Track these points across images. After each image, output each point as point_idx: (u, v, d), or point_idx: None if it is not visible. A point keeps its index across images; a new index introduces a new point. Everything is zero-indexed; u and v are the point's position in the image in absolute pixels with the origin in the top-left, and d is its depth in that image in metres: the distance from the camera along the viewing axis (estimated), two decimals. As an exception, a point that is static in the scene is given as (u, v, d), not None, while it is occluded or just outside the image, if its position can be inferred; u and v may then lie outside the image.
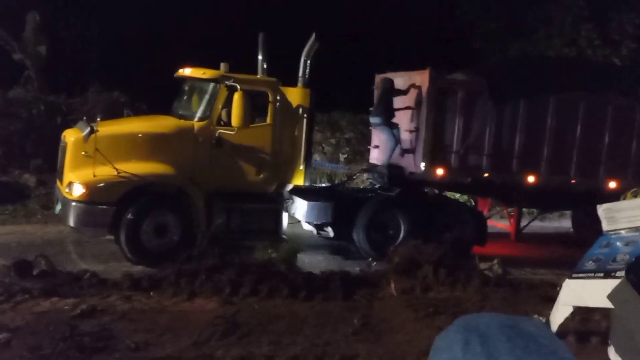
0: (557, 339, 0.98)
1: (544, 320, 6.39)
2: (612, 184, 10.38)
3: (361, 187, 13.51)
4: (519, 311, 7.13)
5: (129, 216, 8.64)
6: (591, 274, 3.30)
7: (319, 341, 5.99)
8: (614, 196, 9.98)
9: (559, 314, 3.41)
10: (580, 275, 3.34)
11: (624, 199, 3.78)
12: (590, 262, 3.41)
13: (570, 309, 3.36)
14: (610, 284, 3.14)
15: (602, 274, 3.24)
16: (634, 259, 3.24)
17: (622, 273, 3.16)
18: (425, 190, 11.18)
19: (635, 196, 3.78)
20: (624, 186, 10.34)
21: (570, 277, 3.37)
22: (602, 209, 3.67)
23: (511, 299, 7.76)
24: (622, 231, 3.53)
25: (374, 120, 10.91)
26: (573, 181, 10.37)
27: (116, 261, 8.85)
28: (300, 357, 5.54)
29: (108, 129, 9.26)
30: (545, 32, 17.41)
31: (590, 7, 16.83)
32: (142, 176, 8.70)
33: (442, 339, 1.00)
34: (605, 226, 3.62)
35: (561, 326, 6.52)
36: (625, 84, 10.86)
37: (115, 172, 8.57)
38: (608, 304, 3.11)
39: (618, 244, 3.49)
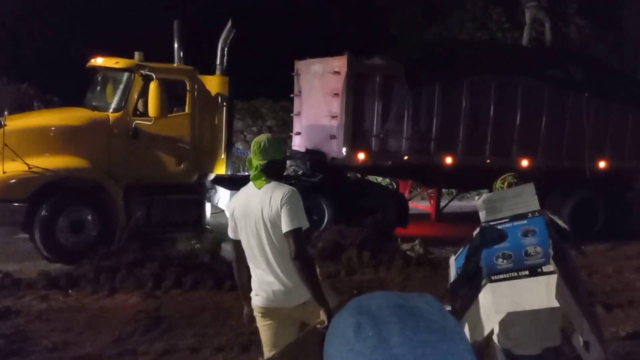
0: (448, 314, 1.01)
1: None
2: (525, 162, 10.80)
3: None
4: (440, 289, 7.35)
5: (43, 213, 8.31)
6: (513, 273, 3.09)
7: (244, 330, 5.97)
8: (527, 174, 10.45)
9: (490, 323, 3.08)
10: (502, 276, 3.11)
11: (497, 187, 3.79)
12: (500, 259, 3.29)
13: (502, 316, 3.09)
14: (544, 281, 3.03)
15: (527, 272, 3.08)
16: (551, 250, 3.17)
17: (550, 268, 3.06)
18: (348, 175, 11.31)
19: (504, 182, 3.80)
20: (534, 164, 10.82)
21: (492, 281, 3.23)
22: (482, 200, 3.65)
23: (432, 277, 7.99)
24: (502, 220, 3.51)
25: None
26: (488, 161, 10.71)
27: (31, 260, 8.51)
28: (225, 348, 5.52)
29: (17, 123, 8.87)
30: (458, 16, 17.86)
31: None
32: (55, 171, 8.38)
33: (336, 322, 1.01)
34: (484, 217, 3.59)
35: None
36: (534, 65, 11.30)
37: (26, 168, 8.22)
38: (552, 303, 2.97)
39: (514, 234, 3.41)
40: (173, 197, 9.18)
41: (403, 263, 8.41)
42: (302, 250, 3.58)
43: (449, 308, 4.16)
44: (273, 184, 3.69)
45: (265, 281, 3.71)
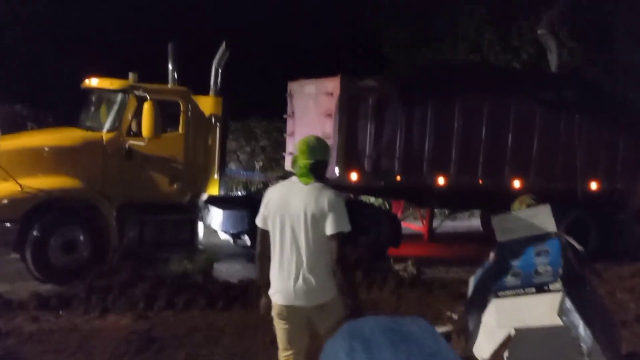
0: (441, 338, 1.02)
1: (455, 317, 6.61)
2: (517, 183, 10.85)
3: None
4: (433, 309, 7.34)
5: (35, 233, 8.27)
6: (520, 289, 3.16)
7: (237, 350, 5.96)
8: (516, 195, 10.47)
9: (495, 339, 3.11)
10: (508, 293, 3.19)
11: (514, 208, 3.82)
12: (509, 276, 3.29)
13: (507, 332, 3.11)
14: (549, 299, 3.04)
15: (533, 289, 3.13)
16: (561, 270, 3.19)
17: (557, 286, 3.11)
18: (341, 195, 11.31)
19: (522, 203, 3.83)
20: (527, 185, 10.86)
21: (497, 297, 3.20)
22: (496, 220, 3.69)
23: (425, 298, 8.00)
24: (518, 240, 3.51)
25: None
26: (480, 181, 10.76)
27: (23, 281, 8.43)
28: (218, 368, 5.49)
29: (10, 143, 8.91)
30: (451, 38, 18.03)
31: (490, 14, 17.60)
32: (48, 191, 8.35)
33: (329, 345, 1.02)
34: (499, 237, 3.62)
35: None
36: (526, 87, 11.39)
37: (19, 188, 8.20)
38: (554, 320, 2.98)
39: (527, 254, 3.41)
40: (166, 217, 9.16)
41: (396, 284, 8.41)
42: (345, 254, 3.76)
43: (440, 330, 4.17)
44: (319, 185, 3.83)
45: (290, 276, 3.79)
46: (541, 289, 3.14)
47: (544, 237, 3.49)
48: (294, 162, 3.94)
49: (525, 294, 3.15)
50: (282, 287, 3.83)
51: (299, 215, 3.75)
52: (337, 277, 3.73)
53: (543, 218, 3.58)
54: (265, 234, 3.93)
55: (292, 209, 3.79)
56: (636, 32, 16.52)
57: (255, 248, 4.08)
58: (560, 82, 12.17)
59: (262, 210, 3.95)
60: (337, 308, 3.89)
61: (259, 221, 3.97)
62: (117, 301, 7.11)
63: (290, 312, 3.85)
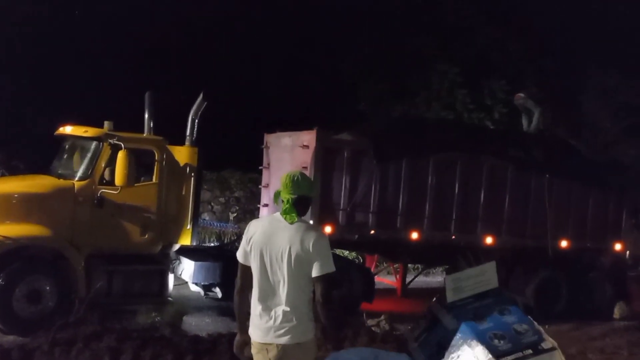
0: None
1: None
2: (489, 240, 10.92)
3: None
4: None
5: (0, 282, 8.06)
6: (519, 352, 3.18)
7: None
8: (491, 251, 10.53)
9: None
10: (509, 358, 3.18)
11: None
12: (495, 340, 3.29)
13: None
14: (551, 358, 3.12)
15: (530, 351, 3.17)
16: (539, 328, 3.26)
17: (548, 344, 3.16)
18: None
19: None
20: (499, 241, 10.94)
21: None
22: (450, 279, 3.72)
23: (398, 354, 7.87)
24: (467, 300, 3.53)
25: None
26: (453, 237, 10.81)
27: (-16, 332, 8.17)
28: None
29: (-21, 189, 8.76)
30: (425, 96, 18.41)
31: (463, 75, 18.08)
32: (15, 239, 8.18)
33: None
34: (450, 297, 3.63)
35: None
36: (498, 145, 11.60)
37: (-14, 235, 8.03)
38: None
39: (490, 313, 3.42)
40: (135, 267, 9.00)
41: (368, 339, 8.28)
42: (331, 296, 3.75)
43: None
44: (304, 224, 3.82)
45: (269, 313, 3.77)
46: (536, 349, 3.20)
47: (489, 294, 3.52)
48: (275, 197, 3.93)
49: (525, 356, 3.19)
50: (261, 323, 3.80)
51: (283, 255, 3.74)
52: (322, 318, 3.73)
53: (489, 275, 3.65)
54: (246, 269, 3.89)
55: (275, 247, 3.77)
56: (604, 94, 17.07)
57: (235, 283, 4.02)
58: (531, 140, 12.42)
59: (244, 244, 3.92)
60: (312, 351, 3.86)
61: (240, 256, 3.94)
62: (81, 355, 6.88)
63: (268, 350, 3.80)
